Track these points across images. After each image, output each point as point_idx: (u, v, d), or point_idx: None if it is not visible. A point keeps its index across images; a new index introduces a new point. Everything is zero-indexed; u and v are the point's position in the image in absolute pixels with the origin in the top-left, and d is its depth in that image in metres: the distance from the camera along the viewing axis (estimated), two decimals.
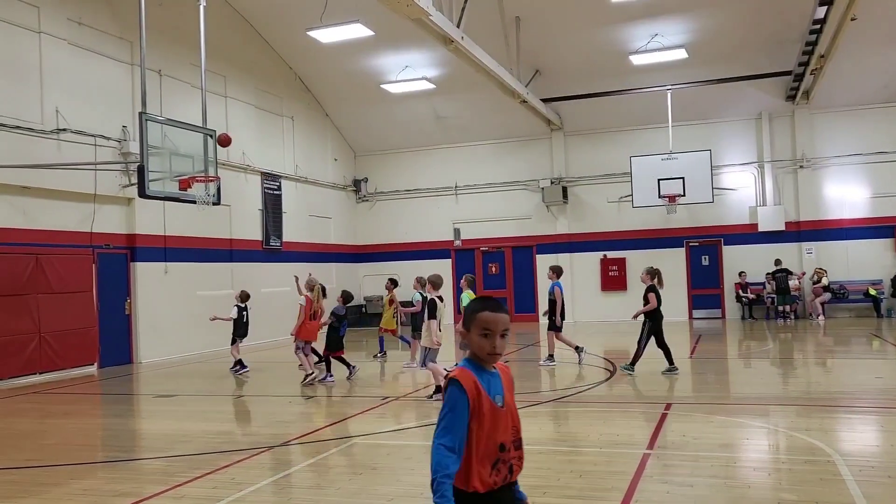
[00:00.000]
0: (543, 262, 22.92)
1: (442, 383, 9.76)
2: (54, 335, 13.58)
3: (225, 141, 11.79)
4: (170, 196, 11.85)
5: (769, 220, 21.00)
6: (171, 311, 16.26)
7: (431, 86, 20.95)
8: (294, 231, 21.09)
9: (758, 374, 12.10)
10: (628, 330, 17.67)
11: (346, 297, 12.46)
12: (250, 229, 19.29)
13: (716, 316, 21.74)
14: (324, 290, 14.21)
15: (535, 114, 20.96)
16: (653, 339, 11.45)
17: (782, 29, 18.08)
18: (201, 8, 12.21)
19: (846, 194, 20.66)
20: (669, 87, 20.06)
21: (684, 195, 19.77)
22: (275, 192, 20.21)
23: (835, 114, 20.65)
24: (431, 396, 9.87)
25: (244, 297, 13.82)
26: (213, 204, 12.28)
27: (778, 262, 20.22)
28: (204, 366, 14.75)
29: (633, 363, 11.49)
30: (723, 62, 19.46)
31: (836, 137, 20.67)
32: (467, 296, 12.20)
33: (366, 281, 24.30)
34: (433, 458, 2.59)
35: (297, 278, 13.16)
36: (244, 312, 13.72)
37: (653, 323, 11.36)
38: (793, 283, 20.16)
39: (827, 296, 20.05)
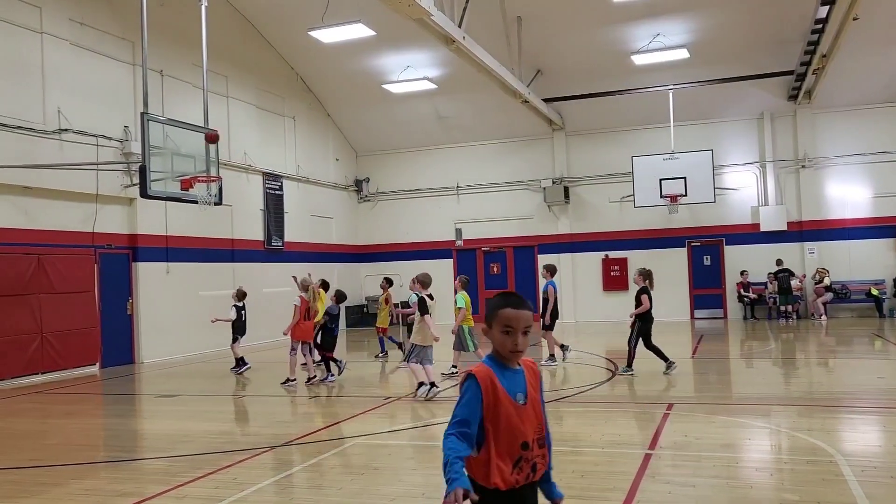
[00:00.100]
0: (545, 262, 22.92)
1: (424, 380, 9.86)
2: (56, 335, 13.59)
3: (212, 138, 11.75)
4: (171, 196, 11.85)
5: (771, 220, 20.98)
6: (173, 311, 16.27)
7: (433, 86, 20.95)
8: (296, 231, 21.10)
9: (760, 374, 12.08)
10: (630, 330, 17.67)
11: (340, 296, 12.49)
12: (252, 229, 19.30)
13: (718, 316, 21.73)
14: (327, 285, 14.27)
15: (536, 114, 20.96)
16: (641, 341, 11.49)
17: (784, 28, 18.06)
18: (203, 8, 12.21)
19: (848, 194, 20.63)
20: (671, 86, 20.05)
21: (686, 195, 19.75)
22: (276, 193, 20.22)
23: (837, 113, 20.63)
24: (415, 394, 9.93)
25: (241, 295, 13.87)
26: (215, 204, 12.28)
27: (779, 262, 20.20)
28: (206, 366, 14.76)
29: (629, 364, 11.50)
30: (724, 62, 19.44)
31: (838, 137, 20.65)
32: (461, 297, 12.17)
33: (367, 281, 24.29)
34: (445, 444, 2.57)
35: (295, 278, 13.19)
36: (242, 311, 13.78)
37: (643, 324, 11.41)
38: (794, 282, 20.14)
39: (829, 296, 20.03)
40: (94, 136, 14.43)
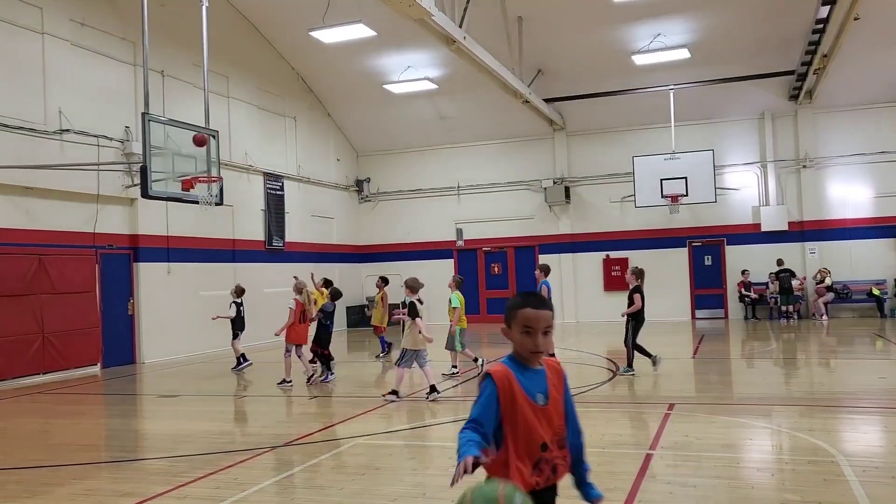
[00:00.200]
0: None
1: (398, 388, 9.86)
2: (58, 335, 13.60)
3: (200, 141, 11.72)
4: (172, 196, 11.86)
5: (772, 220, 20.97)
6: (174, 311, 16.28)
7: (434, 86, 20.96)
8: (297, 231, 21.11)
9: (761, 374, 12.08)
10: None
11: (335, 294, 12.55)
12: (253, 229, 19.31)
13: (719, 316, 21.72)
14: (330, 284, 14.30)
15: (537, 114, 20.95)
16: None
17: (785, 28, 18.06)
18: (203, 8, 12.22)
19: (849, 194, 20.63)
20: (672, 86, 20.04)
21: (687, 195, 19.74)
22: (277, 193, 20.23)
23: (838, 113, 20.62)
24: (386, 395, 9.97)
25: (240, 291, 13.95)
26: (216, 204, 12.28)
27: (780, 261, 20.19)
28: (207, 366, 14.76)
29: (629, 364, 11.50)
30: (725, 62, 19.44)
31: (840, 137, 20.64)
32: (456, 297, 12.17)
33: (368, 281, 24.26)
34: (460, 435, 2.54)
35: (297, 279, 13.20)
36: (241, 308, 13.84)
37: (636, 323, 11.43)
38: (796, 282, 20.14)
39: (830, 296, 20.02)
40: (95, 136, 14.44)
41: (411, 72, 20.57)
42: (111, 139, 14.88)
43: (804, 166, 20.85)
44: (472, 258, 24.01)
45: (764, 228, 21.05)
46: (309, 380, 11.83)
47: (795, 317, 20.26)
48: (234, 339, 13.76)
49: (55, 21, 13.86)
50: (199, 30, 12.31)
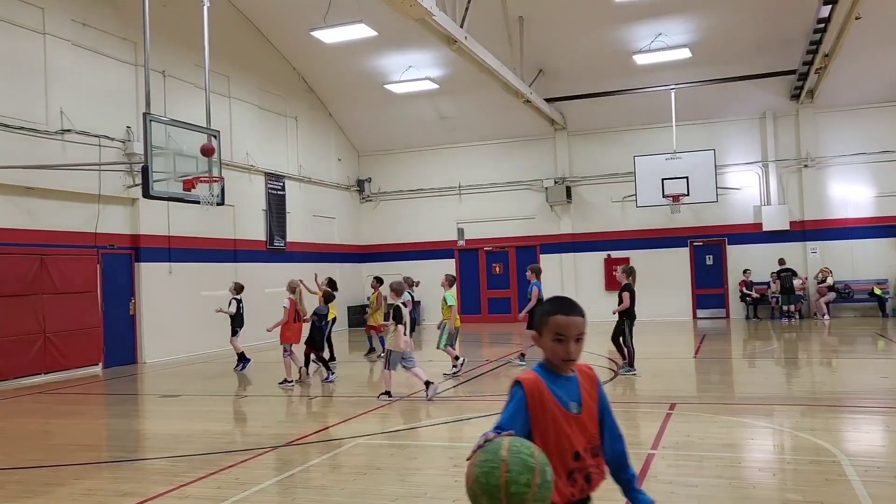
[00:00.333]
0: (547, 262, 22.93)
1: (390, 389, 9.85)
2: (59, 335, 13.61)
3: (208, 151, 11.72)
4: (174, 196, 11.85)
5: (773, 220, 20.95)
6: (176, 311, 16.28)
7: (435, 86, 20.95)
8: (298, 231, 21.11)
9: (762, 373, 12.07)
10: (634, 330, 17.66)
11: (328, 296, 12.55)
12: (254, 229, 19.31)
13: (720, 316, 21.71)
14: (334, 283, 14.34)
15: (538, 113, 20.94)
16: (615, 335, 11.64)
17: (786, 28, 18.04)
18: (205, 9, 12.21)
19: (851, 193, 20.61)
20: (673, 86, 20.03)
21: (688, 195, 19.73)
22: (278, 193, 20.23)
23: (839, 113, 20.60)
24: (379, 396, 9.97)
25: (239, 288, 14.01)
26: (217, 204, 12.29)
27: (782, 261, 20.18)
28: (208, 366, 14.77)
29: (630, 364, 11.52)
30: (727, 61, 19.42)
31: (841, 136, 20.62)
32: (451, 295, 12.18)
33: (370, 281, 24.23)
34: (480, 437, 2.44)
35: (300, 281, 13.22)
36: (240, 305, 13.91)
37: (628, 321, 11.47)
38: (797, 282, 20.12)
39: (832, 295, 20.00)
40: (96, 136, 14.45)
41: (412, 72, 20.57)
42: (112, 139, 14.89)
43: (805, 166, 20.83)
44: (473, 258, 24.01)
45: (765, 228, 21.03)
46: (299, 380, 11.88)
47: (797, 316, 20.23)
48: (234, 336, 13.82)
49: (56, 21, 13.87)
50: (201, 30, 12.30)
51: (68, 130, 13.89)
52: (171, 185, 11.57)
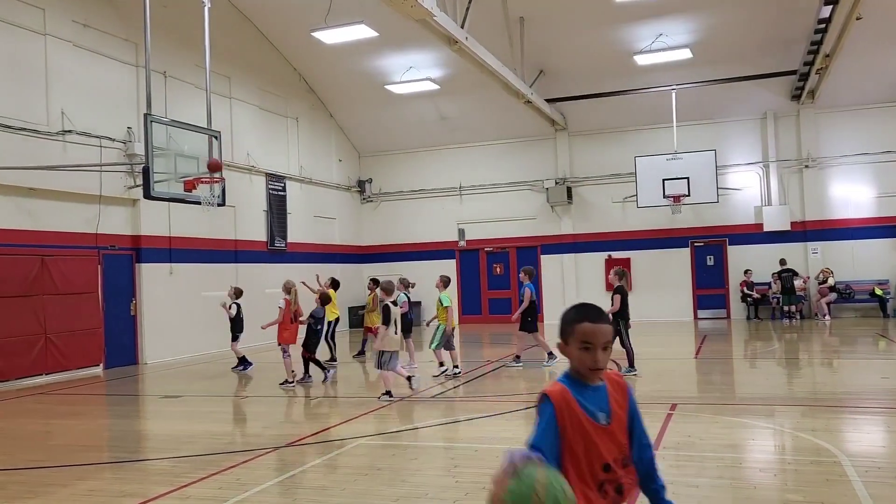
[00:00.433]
0: (548, 263, 22.97)
1: (391, 389, 9.83)
2: (60, 336, 13.62)
3: (214, 167, 11.74)
4: (175, 197, 11.86)
5: (774, 220, 20.94)
6: (177, 311, 16.29)
7: (436, 86, 20.96)
8: (299, 232, 21.12)
9: (763, 374, 12.07)
10: (634, 330, 17.66)
11: (324, 298, 12.56)
12: (255, 230, 19.32)
13: (721, 316, 21.70)
14: (337, 284, 14.34)
15: (539, 114, 20.95)
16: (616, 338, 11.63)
17: (787, 28, 18.04)
18: (205, 9, 12.22)
19: (852, 194, 20.60)
20: (674, 87, 20.03)
21: (689, 195, 19.72)
22: (279, 193, 20.24)
23: (840, 113, 20.60)
24: (380, 397, 9.93)
25: (238, 293, 13.99)
26: (218, 205, 12.29)
27: (783, 261, 20.17)
28: (209, 366, 14.77)
29: (631, 364, 11.53)
30: (727, 62, 19.42)
31: (842, 137, 20.62)
32: (446, 296, 12.17)
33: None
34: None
35: (304, 283, 13.24)
36: (240, 309, 13.94)
37: (623, 322, 11.50)
38: (798, 282, 20.11)
39: (833, 296, 19.99)
40: (97, 137, 14.46)
41: (413, 72, 20.58)
42: (113, 140, 14.90)
43: (806, 166, 20.82)
44: (474, 258, 24.01)
45: (766, 228, 21.02)
46: (291, 381, 11.89)
47: (798, 317, 20.22)
48: (234, 342, 13.78)
49: (57, 22, 13.88)
50: (202, 31, 12.31)
51: (69, 131, 13.90)
52: (172, 185, 11.58)
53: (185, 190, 11.64)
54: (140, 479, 6.51)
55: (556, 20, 18.49)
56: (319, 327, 12.21)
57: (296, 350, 12.15)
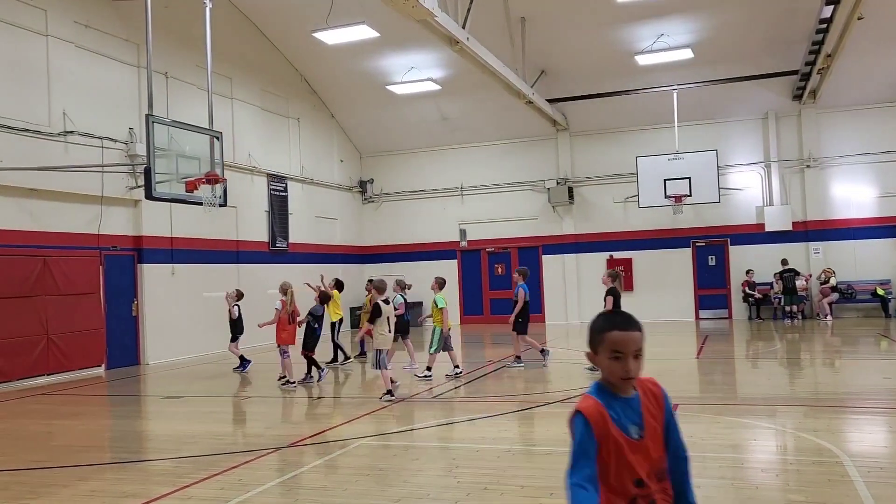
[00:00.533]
0: (550, 263, 22.97)
1: (390, 388, 9.82)
2: (62, 337, 13.63)
3: (213, 180, 11.79)
4: (176, 198, 11.86)
5: (776, 220, 20.93)
6: (178, 312, 16.29)
7: (437, 87, 20.96)
8: (300, 232, 21.12)
9: (765, 374, 12.06)
10: None
11: (324, 297, 12.56)
12: (257, 231, 19.33)
13: (722, 316, 21.69)
14: (341, 285, 14.34)
15: (540, 114, 20.95)
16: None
17: (788, 28, 18.03)
18: (207, 10, 12.23)
19: (853, 194, 20.58)
20: (675, 87, 20.02)
21: (691, 195, 19.71)
22: (281, 194, 20.25)
23: (842, 113, 20.58)
24: (381, 397, 9.92)
25: (239, 295, 14.04)
26: (220, 205, 12.30)
27: (785, 261, 20.16)
28: (211, 367, 14.78)
29: None
30: (729, 62, 19.41)
31: (843, 137, 20.60)
32: (441, 298, 12.15)
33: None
34: (571, 499, 2.29)
35: (308, 285, 13.24)
36: (240, 310, 13.99)
37: None
38: (800, 283, 20.09)
39: (835, 296, 19.98)
40: (99, 138, 14.47)
41: (414, 73, 20.58)
42: (115, 141, 14.91)
43: (808, 166, 20.81)
44: (475, 259, 24.01)
45: (768, 228, 21.01)
46: (290, 382, 11.90)
47: (800, 317, 20.21)
48: (233, 343, 13.81)
49: (59, 23, 13.90)
50: (203, 31, 12.32)
51: (71, 132, 13.91)
52: (174, 186, 11.59)
53: (186, 190, 11.64)
54: (142, 480, 6.52)
55: (558, 20, 18.49)
56: (317, 325, 12.20)
57: (295, 350, 12.16)
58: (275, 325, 12.18)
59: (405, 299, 13.37)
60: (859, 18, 14.39)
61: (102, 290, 14.69)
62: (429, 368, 11.79)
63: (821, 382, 10.93)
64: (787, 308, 20.08)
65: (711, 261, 21.95)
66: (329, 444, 7.60)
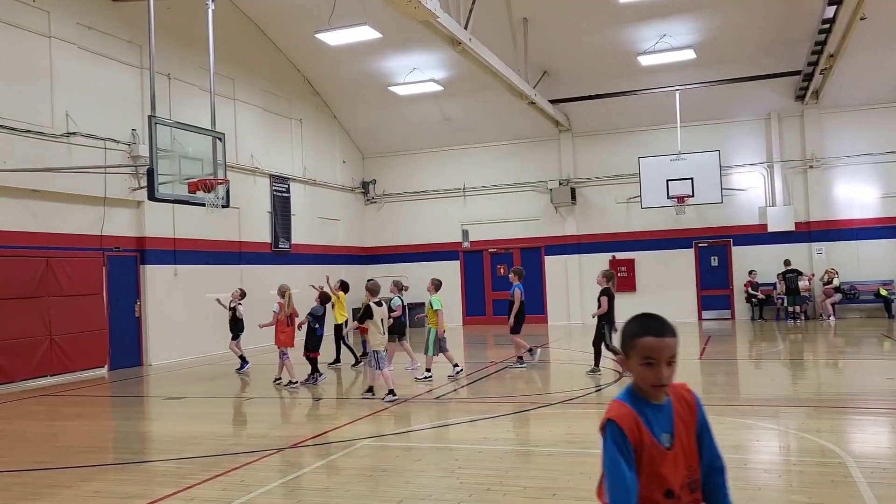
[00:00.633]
0: (552, 264, 22.97)
1: (392, 387, 9.81)
2: (65, 338, 13.65)
3: (211, 186, 11.83)
4: (179, 199, 11.89)
5: (779, 221, 20.91)
6: (181, 313, 16.31)
7: (439, 88, 20.96)
8: (303, 233, 21.14)
9: (768, 375, 12.04)
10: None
11: (324, 297, 12.57)
12: (259, 231, 19.35)
13: (725, 317, 21.66)
14: (346, 286, 14.36)
15: (543, 115, 20.94)
16: (596, 339, 11.72)
17: (791, 29, 18.02)
18: (210, 11, 12.25)
19: (856, 194, 20.55)
20: (678, 87, 20.00)
21: (693, 196, 19.69)
22: (283, 195, 20.27)
23: (844, 113, 20.55)
24: (384, 398, 9.93)
25: (243, 295, 14.04)
26: (223, 206, 12.31)
27: (787, 262, 20.14)
28: (213, 368, 14.79)
29: (596, 364, 11.65)
30: (731, 62, 19.40)
31: (846, 137, 20.57)
32: (437, 300, 12.14)
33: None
34: None
35: (313, 286, 13.25)
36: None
37: (607, 325, 11.48)
38: (803, 283, 20.07)
39: (837, 296, 19.94)
40: (102, 139, 14.49)
41: (417, 73, 20.59)
42: (118, 142, 14.94)
43: (811, 166, 20.78)
44: (477, 260, 24.01)
45: (771, 229, 20.99)
46: (277, 380, 11.91)
47: (802, 317, 20.17)
48: (234, 341, 13.84)
49: (62, 25, 13.93)
50: (206, 33, 12.34)
51: (74, 133, 13.93)
52: (177, 187, 11.61)
53: (189, 191, 11.66)
54: (145, 481, 6.52)
55: (560, 21, 18.49)
56: (317, 326, 12.20)
57: (295, 352, 12.17)
58: (274, 326, 12.22)
59: (402, 300, 13.37)
60: (862, 19, 14.39)
61: (105, 291, 14.71)
62: (428, 370, 11.78)
63: (824, 383, 10.92)
64: (790, 309, 20.06)
65: (714, 261, 21.92)
66: (331, 445, 7.60)
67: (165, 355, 15.84)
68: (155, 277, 15.87)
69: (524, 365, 12.75)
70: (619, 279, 22.23)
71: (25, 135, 13.07)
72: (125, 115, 15.16)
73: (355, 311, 22.65)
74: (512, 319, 12.70)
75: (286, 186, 20.39)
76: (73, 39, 14.14)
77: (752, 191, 21.35)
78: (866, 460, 6.14)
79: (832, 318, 19.72)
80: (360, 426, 8.50)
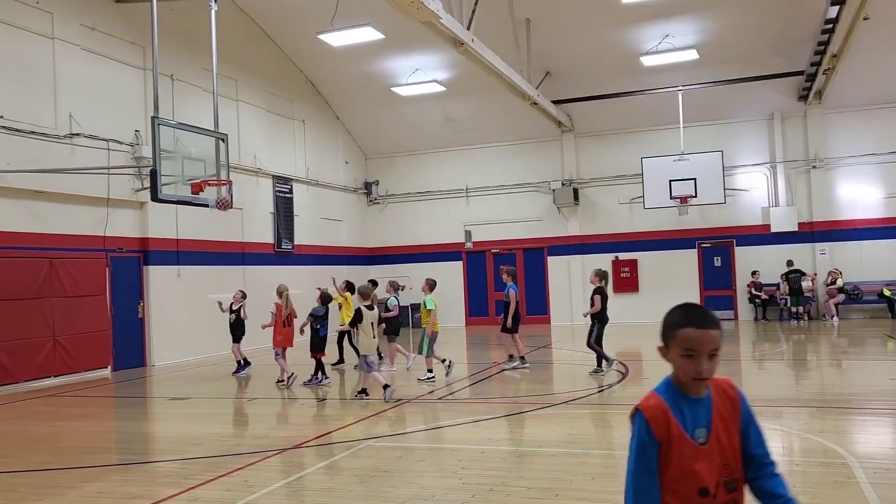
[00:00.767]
0: (555, 265, 22.96)
1: (385, 382, 9.84)
2: (68, 338, 13.67)
3: (224, 203, 11.86)
4: (182, 200, 11.90)
5: (782, 221, 20.88)
6: (184, 314, 16.33)
7: (442, 88, 20.97)
8: (305, 234, 21.16)
9: (771, 375, 12.03)
10: (641, 332, 17.63)
11: (325, 297, 12.55)
12: (262, 232, 19.37)
13: (728, 317, 21.62)
14: (352, 287, 14.35)
15: (545, 115, 20.93)
16: (590, 338, 11.72)
17: (794, 29, 18.00)
18: (213, 12, 12.27)
19: (859, 194, 20.52)
20: (681, 87, 19.98)
21: (696, 196, 19.68)
22: (286, 195, 20.28)
23: (847, 113, 20.52)
24: (384, 397, 9.91)
25: (244, 296, 14.03)
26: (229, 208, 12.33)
27: (790, 262, 20.11)
28: (216, 368, 14.80)
29: (599, 364, 11.60)
30: (734, 62, 19.38)
31: (849, 137, 20.54)
32: (431, 300, 12.13)
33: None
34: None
35: (319, 288, 13.23)
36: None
37: (600, 324, 11.47)
38: (806, 283, 20.04)
39: (841, 297, 19.91)
40: (105, 140, 14.52)
41: (419, 74, 20.60)
42: (121, 143, 14.97)
43: (814, 167, 20.75)
44: (480, 260, 24.00)
45: (774, 229, 20.96)
46: (280, 381, 11.90)
47: (806, 318, 20.15)
48: (236, 343, 13.81)
49: (65, 26, 13.95)
50: (209, 34, 12.36)
51: (77, 134, 13.96)
52: (180, 188, 11.63)
53: (192, 192, 11.68)
54: (148, 481, 6.53)
55: (563, 21, 18.48)
56: (319, 326, 12.20)
57: (293, 353, 12.18)
58: (272, 327, 12.25)
59: (398, 301, 13.37)
60: (865, 19, 14.36)
61: (108, 292, 14.73)
62: (430, 371, 11.77)
63: (827, 384, 10.90)
64: (794, 309, 20.03)
65: (717, 262, 21.90)
66: (334, 446, 7.61)
67: (169, 356, 15.86)
68: (158, 278, 15.89)
69: (527, 365, 12.75)
70: (623, 280, 22.32)
71: (29, 136, 13.10)
72: (128, 116, 15.19)
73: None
74: (509, 320, 12.70)
75: (289, 187, 20.41)
76: (76, 41, 14.17)
77: (756, 191, 21.32)
78: (869, 461, 6.13)
79: (835, 318, 19.68)
80: (363, 427, 8.51)
